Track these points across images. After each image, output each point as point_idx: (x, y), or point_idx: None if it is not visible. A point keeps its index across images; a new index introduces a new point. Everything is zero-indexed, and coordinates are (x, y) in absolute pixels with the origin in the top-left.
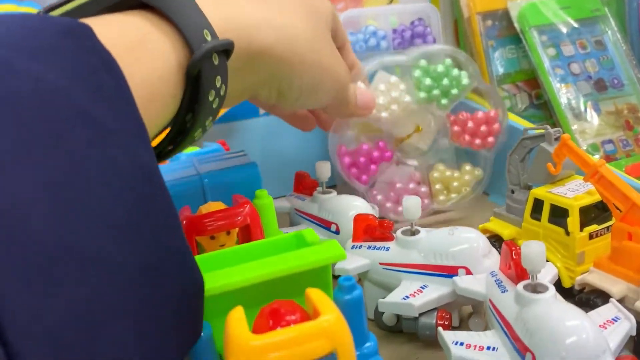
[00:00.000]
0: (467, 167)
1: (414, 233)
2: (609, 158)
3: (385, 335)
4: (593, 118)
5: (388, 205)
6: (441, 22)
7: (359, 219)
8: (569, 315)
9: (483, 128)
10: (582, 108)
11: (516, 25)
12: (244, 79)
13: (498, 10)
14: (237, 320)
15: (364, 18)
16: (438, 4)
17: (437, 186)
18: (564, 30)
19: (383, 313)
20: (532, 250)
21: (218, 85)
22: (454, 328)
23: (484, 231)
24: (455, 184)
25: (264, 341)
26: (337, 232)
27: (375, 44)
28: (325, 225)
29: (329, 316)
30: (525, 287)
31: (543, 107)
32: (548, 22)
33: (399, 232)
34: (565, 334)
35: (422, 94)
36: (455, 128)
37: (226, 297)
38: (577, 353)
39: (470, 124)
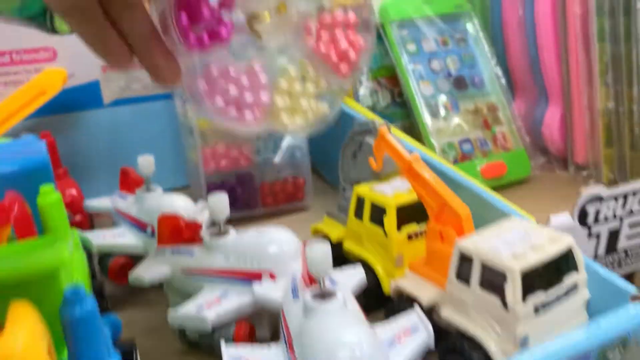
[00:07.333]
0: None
1: (222, 234)
2: (465, 157)
3: (190, 352)
4: (451, 117)
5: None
6: None
7: (163, 220)
8: (347, 329)
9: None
10: (440, 106)
11: (377, 19)
12: None
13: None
14: None
15: None
16: None
17: (280, 100)
18: (426, 26)
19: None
20: (315, 252)
21: None
22: (264, 340)
23: (315, 232)
24: (303, 103)
25: None
26: (153, 234)
27: None
28: (141, 227)
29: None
30: (315, 295)
31: (405, 105)
32: (409, 17)
33: (205, 232)
34: (336, 350)
35: None
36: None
37: None
38: None
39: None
